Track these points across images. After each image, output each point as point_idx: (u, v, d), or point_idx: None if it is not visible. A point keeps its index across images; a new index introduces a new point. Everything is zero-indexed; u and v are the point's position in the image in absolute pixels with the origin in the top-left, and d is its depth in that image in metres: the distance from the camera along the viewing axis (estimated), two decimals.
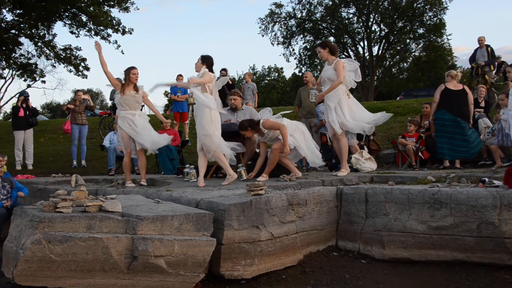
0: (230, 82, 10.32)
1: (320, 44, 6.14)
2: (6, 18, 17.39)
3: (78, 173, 6.54)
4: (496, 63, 11.27)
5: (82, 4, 16.37)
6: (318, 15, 31.06)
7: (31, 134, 9.94)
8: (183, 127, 10.91)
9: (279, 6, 31.49)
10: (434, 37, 29.42)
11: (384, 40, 30.77)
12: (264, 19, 31.80)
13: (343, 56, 32.79)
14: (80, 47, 18.49)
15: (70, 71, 18.56)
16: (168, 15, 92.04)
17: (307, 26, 31.29)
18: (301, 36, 31.96)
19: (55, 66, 22.92)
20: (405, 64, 32.03)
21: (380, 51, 30.98)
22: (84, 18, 17.34)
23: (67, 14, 17.48)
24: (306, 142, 5.71)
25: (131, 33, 17.67)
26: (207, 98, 5.37)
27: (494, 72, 10.66)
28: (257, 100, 11.97)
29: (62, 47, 18.45)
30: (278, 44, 32.08)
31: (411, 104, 13.68)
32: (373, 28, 31.14)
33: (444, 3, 28.25)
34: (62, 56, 18.44)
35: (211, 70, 5.63)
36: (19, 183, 6.43)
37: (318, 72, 34.73)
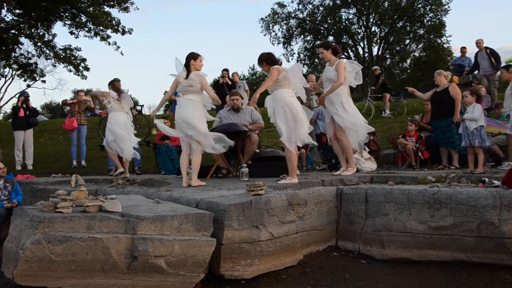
0: (230, 83, 10.36)
1: (322, 45, 6.05)
2: (6, 18, 17.42)
3: (78, 173, 6.56)
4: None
5: (82, 5, 16.37)
6: (319, 16, 31.06)
7: (31, 134, 9.95)
8: None
9: (282, 6, 31.51)
10: (433, 38, 29.45)
11: (383, 41, 30.79)
12: (265, 19, 31.83)
13: (343, 56, 32.83)
14: (80, 48, 18.52)
15: (70, 70, 18.59)
16: (168, 15, 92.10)
17: (307, 26, 31.30)
18: (302, 36, 31.99)
19: (55, 66, 22.97)
20: (405, 64, 32.07)
21: (379, 52, 31.00)
22: (83, 18, 17.36)
23: (67, 14, 17.49)
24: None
25: (130, 33, 17.72)
26: (170, 131, 5.83)
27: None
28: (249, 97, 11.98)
29: (61, 47, 18.47)
30: (278, 44, 32.14)
31: (411, 104, 13.68)
32: (373, 29, 31.18)
33: (444, 4, 28.30)
34: (62, 56, 18.46)
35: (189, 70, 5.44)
36: (20, 184, 6.44)
37: (318, 72, 34.73)
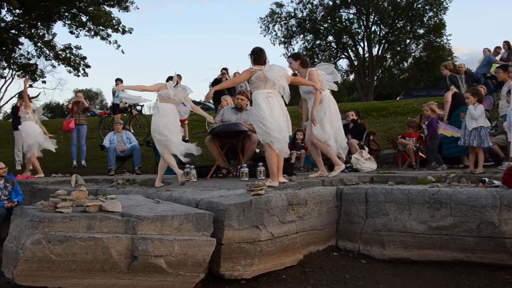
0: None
1: (292, 55, 5.86)
2: (6, 18, 17.41)
3: (78, 173, 6.54)
4: None
5: (82, 4, 16.36)
6: (318, 15, 31.05)
7: None
8: (183, 127, 10.91)
9: (280, 5, 31.50)
10: (434, 38, 29.42)
11: (384, 41, 30.77)
12: (264, 19, 31.82)
13: (343, 56, 32.85)
14: (80, 46, 18.52)
15: (70, 71, 18.59)
16: (168, 15, 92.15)
17: (307, 25, 31.29)
18: (301, 36, 31.97)
19: (55, 67, 22.95)
20: (405, 64, 32.03)
21: (380, 52, 30.98)
22: (84, 18, 17.36)
23: (67, 14, 17.49)
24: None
25: (131, 33, 17.72)
26: (133, 96, 6.14)
27: None
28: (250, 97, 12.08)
29: (62, 47, 18.47)
30: (279, 43, 32.12)
31: (411, 104, 13.68)
32: (373, 29, 31.15)
33: (444, 3, 28.28)
34: (61, 57, 18.46)
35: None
36: (20, 184, 6.44)
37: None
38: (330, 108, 5.66)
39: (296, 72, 5.84)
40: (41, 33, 18.29)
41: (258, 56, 5.05)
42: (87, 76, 18.80)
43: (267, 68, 4.97)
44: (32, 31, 18.05)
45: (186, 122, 11.20)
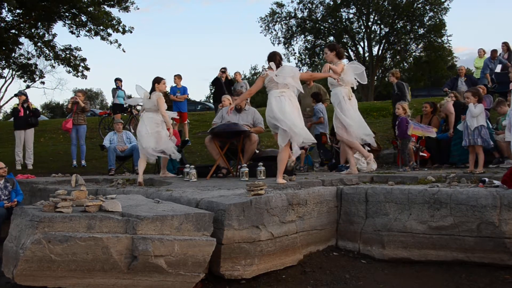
0: (229, 78, 10.58)
1: (328, 46, 6.06)
2: (6, 18, 17.39)
3: (78, 173, 6.55)
4: None
5: (83, 5, 16.33)
6: (318, 15, 31.08)
7: (32, 134, 9.92)
8: (183, 127, 10.93)
9: (280, 5, 31.52)
10: (434, 37, 29.43)
11: (384, 40, 30.77)
12: (265, 19, 31.84)
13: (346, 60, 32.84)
14: (80, 48, 18.49)
15: (69, 72, 18.56)
16: (169, 15, 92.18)
17: (307, 25, 31.30)
18: (302, 36, 31.99)
19: (54, 67, 22.89)
20: (405, 64, 32.04)
21: (380, 51, 30.98)
22: (84, 18, 17.32)
23: (67, 14, 17.46)
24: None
25: (131, 32, 17.66)
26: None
27: None
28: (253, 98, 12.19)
29: (62, 47, 18.45)
30: (279, 43, 32.14)
31: (411, 104, 13.64)
32: (373, 28, 31.15)
33: (445, 4, 28.28)
34: (61, 57, 18.42)
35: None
36: (20, 183, 6.44)
37: (319, 71, 34.73)
38: (347, 101, 5.89)
39: (330, 62, 5.97)
40: (41, 33, 18.25)
41: (271, 60, 5.29)
42: (85, 78, 18.79)
43: (277, 72, 5.15)
44: (32, 31, 18.02)
45: (186, 122, 11.25)
